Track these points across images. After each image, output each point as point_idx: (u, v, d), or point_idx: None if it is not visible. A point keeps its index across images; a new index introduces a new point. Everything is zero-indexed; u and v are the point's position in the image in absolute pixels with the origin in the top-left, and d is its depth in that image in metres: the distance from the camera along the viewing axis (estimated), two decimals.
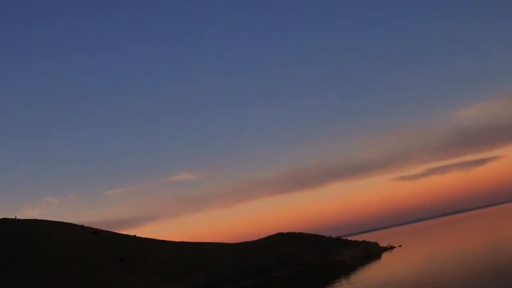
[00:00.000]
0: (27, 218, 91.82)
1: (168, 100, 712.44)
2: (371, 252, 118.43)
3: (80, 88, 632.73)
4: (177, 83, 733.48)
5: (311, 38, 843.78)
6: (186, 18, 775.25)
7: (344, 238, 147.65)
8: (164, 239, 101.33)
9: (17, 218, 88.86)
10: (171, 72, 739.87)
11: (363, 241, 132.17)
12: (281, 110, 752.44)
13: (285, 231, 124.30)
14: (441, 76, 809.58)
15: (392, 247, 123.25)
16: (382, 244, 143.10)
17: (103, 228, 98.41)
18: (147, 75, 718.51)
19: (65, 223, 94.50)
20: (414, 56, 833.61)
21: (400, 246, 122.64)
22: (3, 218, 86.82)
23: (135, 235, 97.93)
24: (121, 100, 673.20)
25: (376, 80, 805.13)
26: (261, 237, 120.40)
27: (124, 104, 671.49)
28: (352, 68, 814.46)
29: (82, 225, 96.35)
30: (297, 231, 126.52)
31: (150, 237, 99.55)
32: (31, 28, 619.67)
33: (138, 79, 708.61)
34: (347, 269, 76.47)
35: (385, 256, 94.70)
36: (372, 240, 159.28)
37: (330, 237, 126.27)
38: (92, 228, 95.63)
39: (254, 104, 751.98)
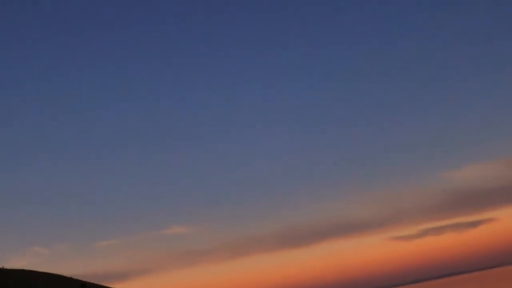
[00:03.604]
0: (15, 268, 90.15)
1: (161, 153, 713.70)
2: None
3: (72, 139, 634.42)
4: (171, 137, 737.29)
5: (303, 98, 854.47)
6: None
7: None
8: None
9: (4, 268, 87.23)
10: (165, 127, 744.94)
11: None
12: (276, 167, 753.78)
13: None
14: (435, 137, 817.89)
15: None
16: None
17: (92, 281, 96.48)
18: (142, 130, 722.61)
19: (53, 274, 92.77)
20: (409, 116, 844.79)
21: None
22: None
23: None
24: (113, 151, 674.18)
25: (371, 139, 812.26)
26: None
27: (116, 155, 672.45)
28: (347, 125, 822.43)
29: (71, 277, 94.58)
30: None
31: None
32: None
33: (132, 132, 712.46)
34: None
35: None
36: None
37: None
38: (80, 280, 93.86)
39: (249, 160, 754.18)
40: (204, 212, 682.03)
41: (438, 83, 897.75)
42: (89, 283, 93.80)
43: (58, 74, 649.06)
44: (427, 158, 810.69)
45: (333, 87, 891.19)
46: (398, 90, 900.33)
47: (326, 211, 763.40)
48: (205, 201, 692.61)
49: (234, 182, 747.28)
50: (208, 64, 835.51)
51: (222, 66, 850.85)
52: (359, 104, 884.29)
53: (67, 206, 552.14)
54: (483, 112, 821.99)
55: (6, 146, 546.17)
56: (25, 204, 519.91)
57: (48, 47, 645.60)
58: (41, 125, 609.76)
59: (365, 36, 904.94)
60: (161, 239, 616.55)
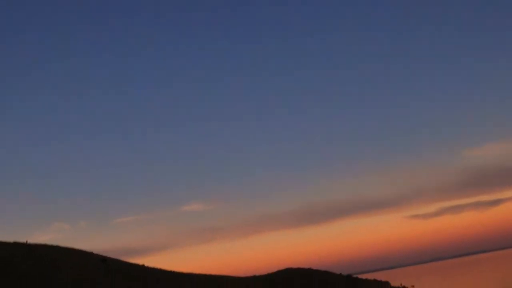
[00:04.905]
0: (38, 242, 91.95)
1: (182, 132, 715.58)
2: None
3: (94, 117, 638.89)
4: (191, 116, 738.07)
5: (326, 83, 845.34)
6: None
7: (355, 275, 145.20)
8: (173, 269, 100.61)
9: (28, 242, 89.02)
10: (184, 107, 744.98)
11: (374, 280, 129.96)
12: (293, 146, 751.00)
13: (295, 266, 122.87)
14: (456, 115, 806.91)
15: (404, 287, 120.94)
16: (394, 283, 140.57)
17: (112, 256, 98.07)
18: (162, 109, 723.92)
19: (74, 249, 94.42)
20: (428, 94, 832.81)
21: (413, 286, 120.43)
22: (15, 242, 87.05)
23: (143, 264, 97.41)
24: (134, 130, 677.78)
25: (390, 118, 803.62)
26: (270, 271, 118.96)
27: (138, 134, 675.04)
28: (366, 104, 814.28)
29: (92, 252, 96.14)
30: (307, 266, 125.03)
31: (158, 267, 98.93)
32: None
33: (153, 110, 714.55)
34: None
35: None
36: (383, 279, 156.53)
37: (340, 274, 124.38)
38: (101, 255, 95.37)
39: (267, 139, 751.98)
40: (222, 190, 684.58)
41: (458, 61, 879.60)
42: (109, 258, 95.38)
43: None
44: (447, 136, 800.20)
45: (349, 67, 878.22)
46: (416, 68, 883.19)
47: (344, 190, 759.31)
48: (223, 179, 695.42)
49: (252, 160, 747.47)
50: (229, 54, 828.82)
51: (242, 56, 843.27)
52: (378, 82, 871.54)
53: (89, 183, 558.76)
54: (503, 90, 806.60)
55: (31, 124, 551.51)
56: (49, 182, 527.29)
57: (59, 35, 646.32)
58: (60, 105, 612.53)
59: (381, 18, 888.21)
60: (179, 215, 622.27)
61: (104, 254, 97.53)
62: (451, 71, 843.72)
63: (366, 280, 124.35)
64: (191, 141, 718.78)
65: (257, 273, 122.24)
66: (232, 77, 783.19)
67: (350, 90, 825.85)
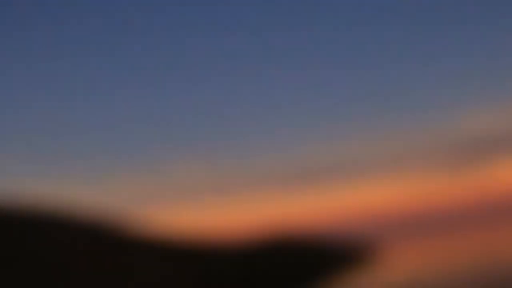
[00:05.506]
0: (22, 204, 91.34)
1: (175, 88, 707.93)
2: (366, 259, 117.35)
3: (80, 69, 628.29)
4: (186, 72, 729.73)
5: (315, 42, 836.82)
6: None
7: (336, 242, 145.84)
8: (162, 231, 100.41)
9: (10, 204, 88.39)
10: (182, 60, 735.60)
11: (360, 247, 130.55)
12: (289, 106, 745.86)
13: (283, 233, 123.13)
14: (447, 81, 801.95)
15: (390, 256, 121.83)
16: (379, 250, 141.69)
17: (102, 216, 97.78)
18: (158, 62, 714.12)
19: (62, 208, 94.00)
20: (419, 56, 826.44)
21: (398, 253, 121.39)
22: None
23: (133, 225, 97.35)
24: (126, 83, 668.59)
25: (381, 79, 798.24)
26: (256, 236, 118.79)
27: (130, 85, 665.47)
28: (358, 65, 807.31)
29: (81, 214, 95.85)
30: (295, 233, 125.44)
31: (148, 229, 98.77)
32: None
33: (150, 69, 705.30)
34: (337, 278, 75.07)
35: (381, 264, 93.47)
36: (371, 247, 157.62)
37: (328, 242, 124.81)
38: (92, 216, 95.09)
39: (258, 98, 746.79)
40: (211, 148, 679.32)
41: (453, 21, 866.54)
42: (100, 218, 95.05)
43: None
44: (440, 100, 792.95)
45: (347, 29, 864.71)
46: (413, 31, 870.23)
47: (331, 152, 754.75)
48: (213, 137, 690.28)
49: (243, 121, 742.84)
50: (230, 9, 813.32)
51: (242, 11, 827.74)
52: (372, 43, 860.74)
53: (80, 139, 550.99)
54: (496, 53, 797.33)
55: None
56: (35, 136, 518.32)
57: None
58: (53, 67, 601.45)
59: None
60: (171, 174, 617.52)
61: (95, 214, 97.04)
62: (443, 32, 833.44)
63: (352, 249, 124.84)
64: (185, 97, 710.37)
65: (244, 237, 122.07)
66: (228, 35, 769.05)
67: (344, 49, 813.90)
